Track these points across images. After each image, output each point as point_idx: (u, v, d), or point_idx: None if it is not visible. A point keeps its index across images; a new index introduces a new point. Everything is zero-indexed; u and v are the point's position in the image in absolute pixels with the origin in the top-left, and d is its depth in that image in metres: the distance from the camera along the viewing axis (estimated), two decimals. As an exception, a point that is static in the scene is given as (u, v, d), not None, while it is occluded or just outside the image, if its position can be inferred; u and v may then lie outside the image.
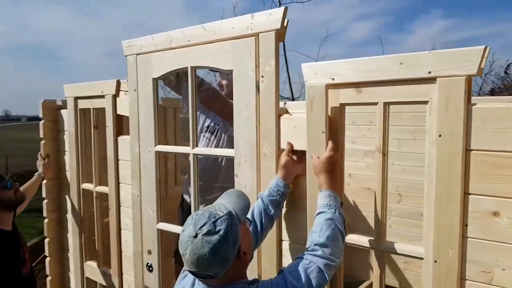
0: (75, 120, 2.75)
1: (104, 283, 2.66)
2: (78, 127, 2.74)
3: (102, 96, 2.49)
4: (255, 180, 1.71)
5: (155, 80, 2.10)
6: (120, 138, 2.44)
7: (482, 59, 1.18)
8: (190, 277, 1.31)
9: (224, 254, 1.12)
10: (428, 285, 1.32)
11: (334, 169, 1.44)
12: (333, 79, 1.48)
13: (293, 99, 8.00)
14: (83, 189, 2.78)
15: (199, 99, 2.01)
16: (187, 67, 1.91)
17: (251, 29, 1.65)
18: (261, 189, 1.68)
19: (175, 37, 1.96)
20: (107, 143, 2.50)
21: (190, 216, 1.18)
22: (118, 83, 2.41)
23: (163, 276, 2.22)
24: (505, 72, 8.33)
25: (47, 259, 3.08)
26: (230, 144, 2.00)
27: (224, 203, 1.22)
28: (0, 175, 2.27)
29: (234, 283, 1.19)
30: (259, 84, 1.65)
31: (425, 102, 1.31)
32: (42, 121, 2.96)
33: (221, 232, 1.12)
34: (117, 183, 2.47)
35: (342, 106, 1.51)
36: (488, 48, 1.20)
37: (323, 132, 1.51)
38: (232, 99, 1.79)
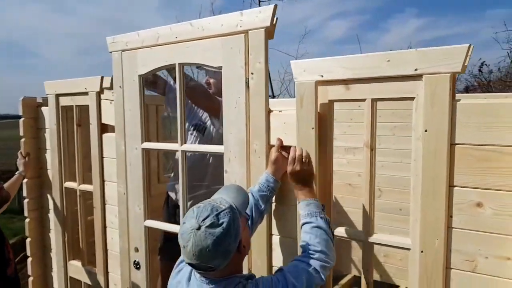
0: (56, 118, 2.69)
1: (89, 282, 2.63)
2: (60, 125, 2.69)
3: (86, 93, 2.46)
4: (245, 176, 1.73)
5: (141, 77, 2.08)
6: (105, 136, 2.41)
7: (466, 57, 1.24)
8: (185, 271, 1.32)
9: (227, 246, 1.14)
10: (415, 274, 1.37)
11: (305, 178, 1.51)
12: (322, 76, 1.51)
13: (273, 97, 8.06)
14: (65, 187, 2.73)
15: (186, 95, 2.01)
16: (174, 64, 1.91)
17: (241, 26, 1.67)
18: (251, 185, 1.70)
19: (162, 33, 1.95)
20: (91, 140, 2.47)
21: (191, 209, 1.18)
22: (102, 80, 2.38)
23: (150, 273, 2.22)
24: (479, 70, 8.60)
25: (29, 259, 3.02)
26: (218, 141, 2.00)
27: (224, 197, 1.24)
28: None
29: (232, 277, 1.21)
30: (248, 80, 1.67)
31: (412, 99, 1.37)
32: (22, 119, 2.89)
33: (224, 225, 1.13)
34: (102, 181, 2.45)
35: (331, 102, 1.56)
36: (471, 46, 1.25)
37: (312, 128, 1.54)
38: (220, 98, 1.80)
